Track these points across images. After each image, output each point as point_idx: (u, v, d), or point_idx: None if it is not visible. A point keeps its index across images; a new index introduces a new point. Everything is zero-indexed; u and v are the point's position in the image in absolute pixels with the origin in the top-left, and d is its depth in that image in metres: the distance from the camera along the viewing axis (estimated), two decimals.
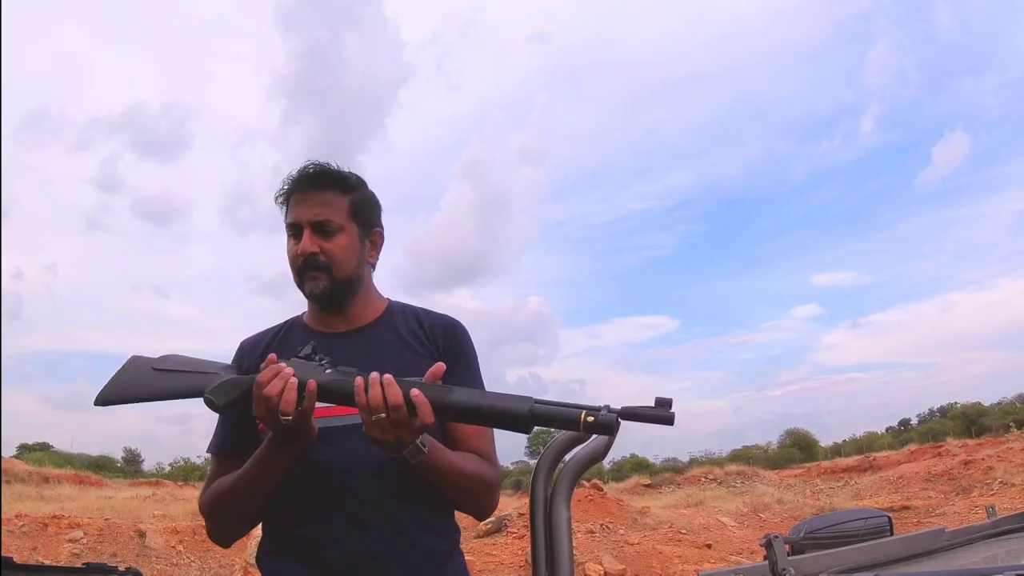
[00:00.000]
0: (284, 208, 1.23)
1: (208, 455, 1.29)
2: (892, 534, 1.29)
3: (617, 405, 0.91)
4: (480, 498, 1.20)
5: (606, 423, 0.90)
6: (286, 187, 1.23)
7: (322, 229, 1.19)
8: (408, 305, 1.33)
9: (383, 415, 0.97)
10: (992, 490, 12.56)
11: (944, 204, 58.71)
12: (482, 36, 73.86)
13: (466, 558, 1.28)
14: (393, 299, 1.33)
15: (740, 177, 67.11)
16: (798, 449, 28.92)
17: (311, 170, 1.22)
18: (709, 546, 10.14)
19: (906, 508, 12.41)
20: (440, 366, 1.03)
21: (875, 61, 61.41)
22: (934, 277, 58.90)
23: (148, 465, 28.05)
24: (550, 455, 0.83)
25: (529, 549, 0.78)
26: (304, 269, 1.19)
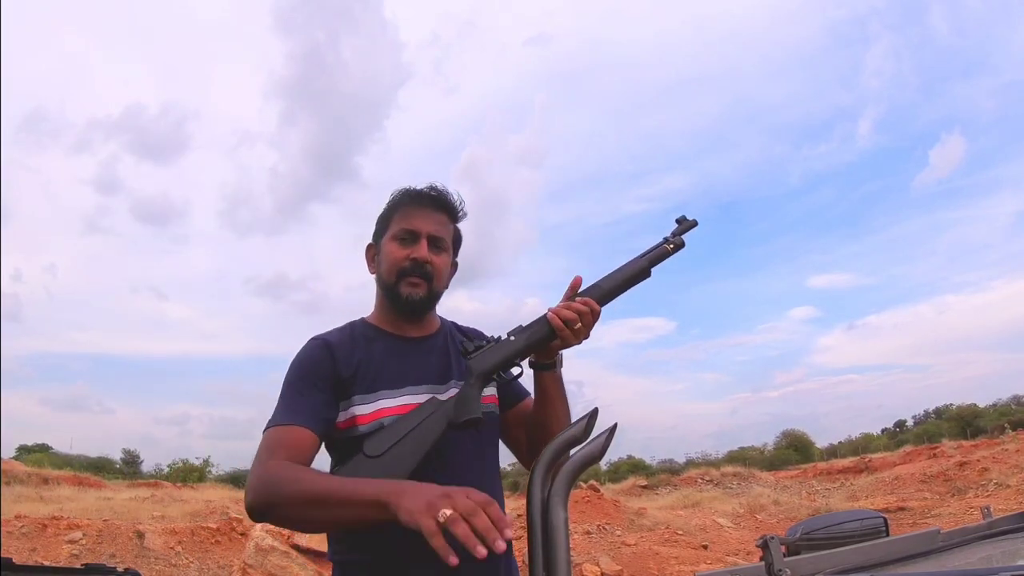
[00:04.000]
0: (390, 214, 1.30)
1: (268, 429, 1.13)
2: (888, 535, 1.29)
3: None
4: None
5: (680, 244, 1.32)
6: (404, 197, 1.29)
7: (436, 244, 1.27)
8: (447, 320, 1.44)
9: (580, 323, 1.22)
10: (987, 491, 12.58)
11: (940, 206, 58.69)
12: (480, 38, 74.02)
13: None
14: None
15: (737, 180, 67.25)
16: (794, 450, 28.93)
17: (435, 192, 1.30)
18: (705, 547, 10.14)
19: (902, 509, 12.43)
20: (579, 278, 1.26)
21: (872, 64, 61.63)
22: (930, 279, 58.88)
23: (147, 466, 27.93)
24: (547, 456, 0.83)
25: (526, 550, 0.79)
26: (409, 272, 1.25)
